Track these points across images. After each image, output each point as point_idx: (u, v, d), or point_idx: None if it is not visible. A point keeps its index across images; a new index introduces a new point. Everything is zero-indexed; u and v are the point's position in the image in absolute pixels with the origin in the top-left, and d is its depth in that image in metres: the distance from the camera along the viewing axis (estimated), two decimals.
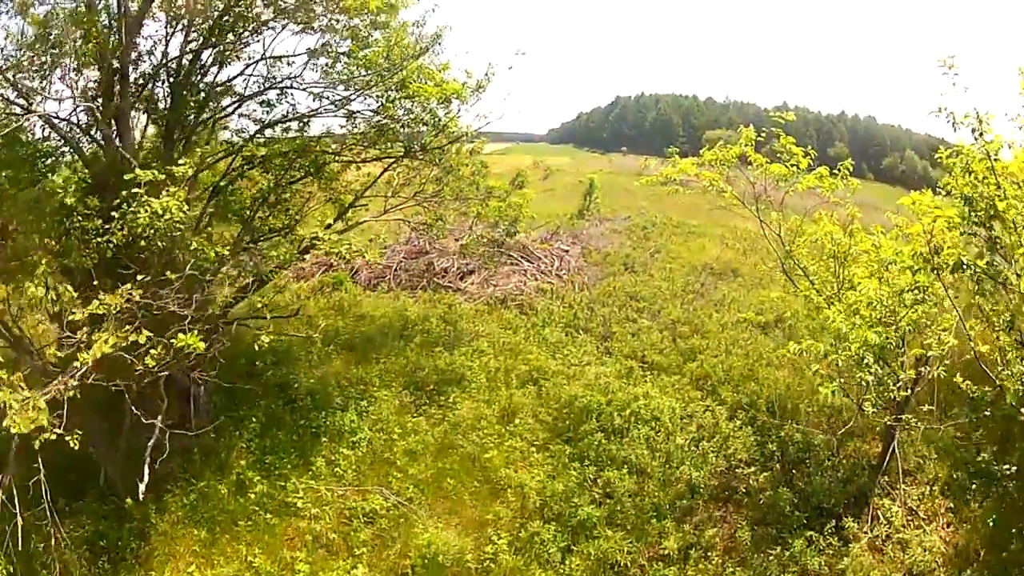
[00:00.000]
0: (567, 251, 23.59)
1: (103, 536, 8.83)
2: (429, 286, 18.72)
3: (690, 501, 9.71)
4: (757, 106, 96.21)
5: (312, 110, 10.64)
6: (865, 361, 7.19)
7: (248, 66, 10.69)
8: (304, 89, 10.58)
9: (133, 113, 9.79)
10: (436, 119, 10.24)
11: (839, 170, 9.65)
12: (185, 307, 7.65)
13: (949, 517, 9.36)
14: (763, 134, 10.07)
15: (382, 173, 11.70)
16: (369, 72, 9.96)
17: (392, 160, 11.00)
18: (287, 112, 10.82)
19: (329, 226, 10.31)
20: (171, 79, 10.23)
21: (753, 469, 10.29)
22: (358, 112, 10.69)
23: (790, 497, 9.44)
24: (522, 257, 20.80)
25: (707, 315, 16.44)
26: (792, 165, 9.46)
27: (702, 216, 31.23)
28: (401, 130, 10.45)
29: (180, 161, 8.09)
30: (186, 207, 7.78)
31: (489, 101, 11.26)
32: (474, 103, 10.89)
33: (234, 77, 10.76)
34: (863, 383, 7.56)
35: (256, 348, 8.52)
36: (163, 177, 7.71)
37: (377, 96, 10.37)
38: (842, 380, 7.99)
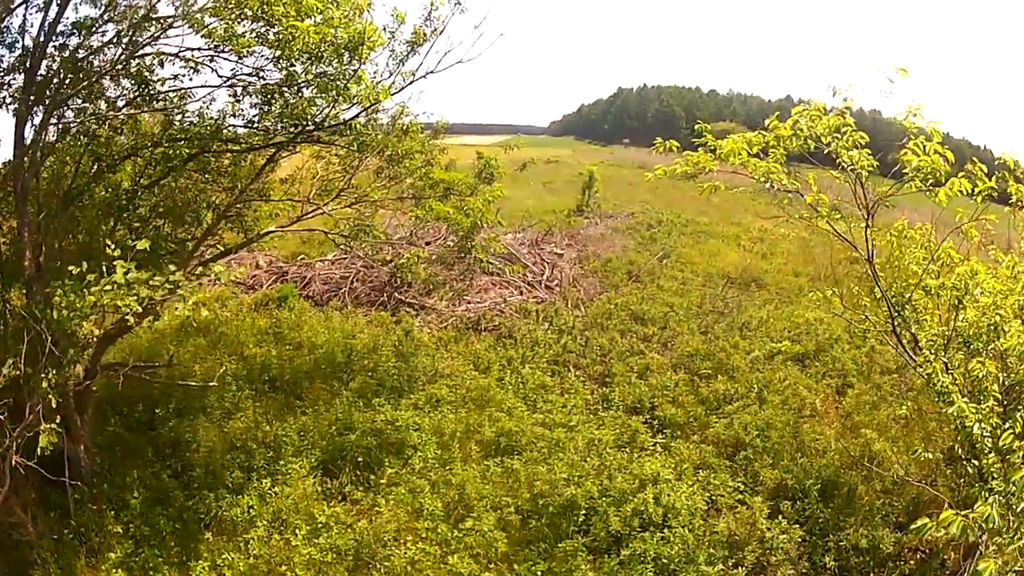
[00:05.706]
0: (560, 255, 20.16)
1: None
2: (390, 302, 15.36)
3: None
4: (761, 98, 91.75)
5: (168, 79, 7.19)
6: None
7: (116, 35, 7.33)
8: (156, 55, 7.14)
9: None
10: (330, 79, 6.60)
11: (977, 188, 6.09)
12: None
13: None
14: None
15: (266, 164, 8.17)
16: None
17: (278, 145, 7.48)
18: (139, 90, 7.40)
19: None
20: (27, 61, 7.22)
21: None
22: (235, 79, 7.15)
23: None
24: (505, 265, 17.33)
25: (731, 344, 13.10)
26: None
27: (712, 212, 27.83)
28: (292, 101, 6.86)
29: None
30: None
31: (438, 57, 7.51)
32: (410, 58, 7.42)
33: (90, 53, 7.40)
34: None
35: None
36: None
37: (254, 54, 6.88)
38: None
